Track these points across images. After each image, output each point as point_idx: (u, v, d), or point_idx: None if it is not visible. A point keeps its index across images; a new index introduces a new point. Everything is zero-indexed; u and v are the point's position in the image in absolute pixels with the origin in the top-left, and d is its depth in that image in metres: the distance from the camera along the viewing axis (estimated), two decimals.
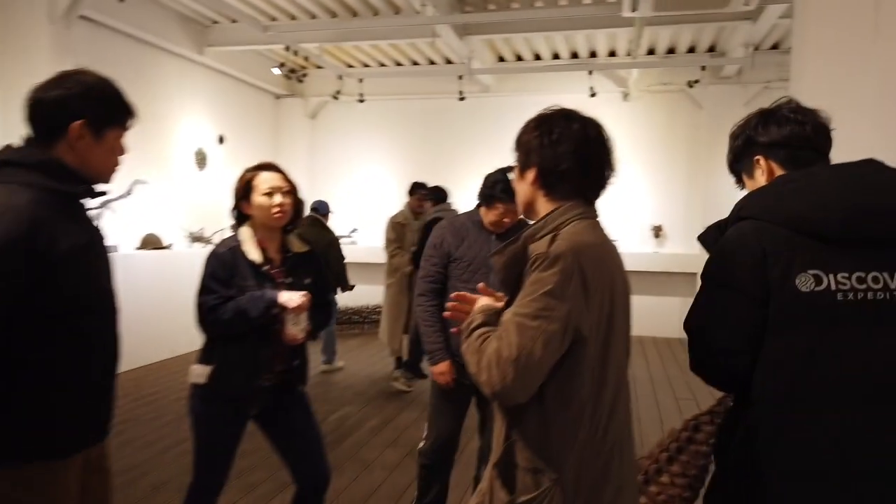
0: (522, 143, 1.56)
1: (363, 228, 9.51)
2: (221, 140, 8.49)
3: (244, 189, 2.41)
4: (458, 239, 2.84)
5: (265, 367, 2.36)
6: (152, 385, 5.89)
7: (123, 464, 3.99)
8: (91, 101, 1.66)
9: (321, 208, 6.54)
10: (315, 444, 2.52)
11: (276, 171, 2.46)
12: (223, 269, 2.33)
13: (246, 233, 2.41)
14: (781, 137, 1.58)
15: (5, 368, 1.55)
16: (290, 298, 2.29)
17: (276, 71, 7.91)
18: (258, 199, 2.38)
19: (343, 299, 7.84)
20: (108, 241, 1.87)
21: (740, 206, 1.56)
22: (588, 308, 1.39)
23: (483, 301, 1.59)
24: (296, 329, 2.32)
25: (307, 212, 6.40)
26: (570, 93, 8.36)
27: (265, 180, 2.40)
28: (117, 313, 1.81)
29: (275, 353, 2.38)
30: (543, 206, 1.54)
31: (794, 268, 1.40)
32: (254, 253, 2.36)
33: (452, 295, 1.67)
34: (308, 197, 9.60)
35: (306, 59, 7.95)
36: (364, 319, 8.85)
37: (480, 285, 1.66)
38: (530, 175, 1.54)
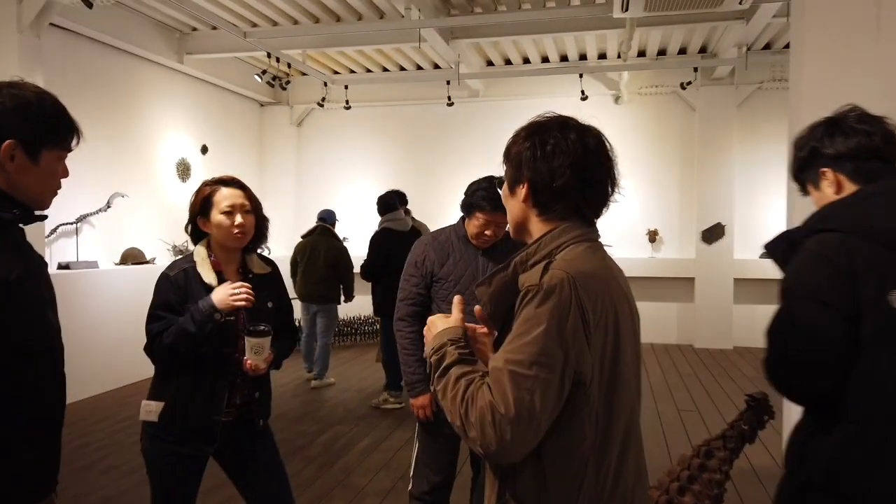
0: (513, 156, 1.37)
1: (352, 238, 9.31)
2: (205, 150, 8.28)
3: (202, 204, 2.21)
4: (441, 256, 2.59)
5: (223, 400, 2.16)
6: (134, 407, 5.66)
7: (105, 492, 3.77)
8: (25, 119, 1.46)
9: (329, 217, 6.57)
10: (279, 482, 2.32)
11: (239, 186, 2.26)
12: (175, 293, 2.14)
13: (201, 252, 2.22)
14: (848, 150, 1.55)
15: None
16: (227, 294, 2.07)
17: (259, 78, 7.71)
18: (217, 216, 2.18)
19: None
20: (48, 269, 1.65)
21: (821, 218, 1.52)
22: (589, 347, 1.20)
23: (439, 322, 1.36)
24: (257, 358, 2.12)
25: (314, 223, 6.49)
26: (561, 96, 8.21)
27: (225, 197, 2.20)
28: (59, 352, 1.60)
29: (233, 385, 2.18)
30: (537, 228, 1.35)
31: (888, 284, 1.37)
32: (208, 275, 2.17)
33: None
34: (294, 206, 9.56)
35: (289, 65, 7.76)
36: (356, 331, 8.65)
37: (477, 308, 1.42)
38: (521, 191, 1.35)
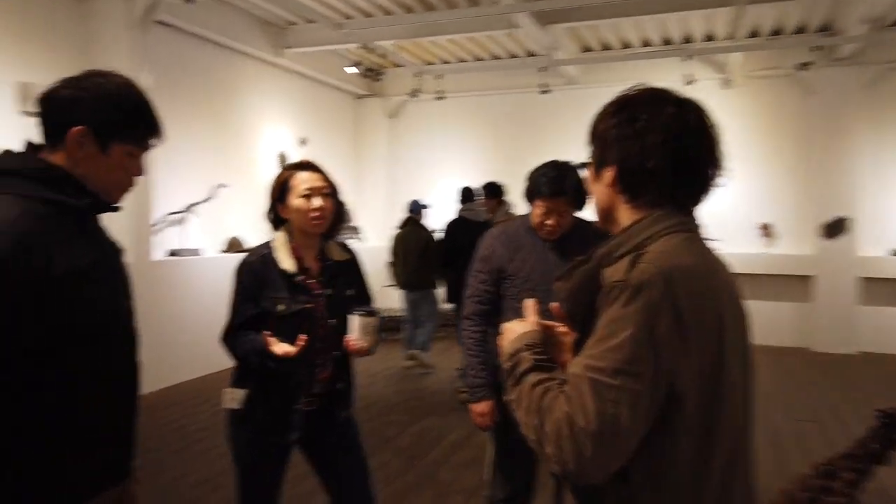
0: (598, 134, 1.20)
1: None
2: (303, 142, 8.48)
3: (280, 190, 2.18)
4: (510, 250, 2.38)
5: (302, 389, 2.13)
6: None
7: (201, 474, 3.89)
8: (101, 109, 1.44)
9: (415, 207, 6.71)
10: (359, 476, 2.26)
11: (316, 170, 2.21)
12: (253, 280, 2.12)
13: (280, 238, 2.18)
14: None
15: None
16: (284, 351, 2.01)
17: (351, 69, 7.78)
18: (295, 201, 2.14)
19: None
20: (123, 257, 1.64)
21: None
22: (686, 354, 1.02)
23: (517, 327, 1.21)
24: (365, 339, 2.07)
25: (405, 214, 6.72)
26: (664, 81, 7.64)
27: (303, 180, 2.15)
28: (132, 340, 1.59)
29: (312, 374, 2.14)
30: (625, 216, 1.18)
31: None
32: (287, 261, 2.13)
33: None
34: (388, 198, 9.64)
35: (383, 56, 7.78)
36: (450, 322, 8.61)
37: (554, 305, 1.27)
38: (608, 175, 1.18)
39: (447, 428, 4.84)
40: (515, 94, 9.01)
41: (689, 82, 7.29)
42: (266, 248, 2.18)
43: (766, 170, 8.16)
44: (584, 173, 1.31)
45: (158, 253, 6.10)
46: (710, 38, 7.97)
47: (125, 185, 1.54)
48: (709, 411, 1.06)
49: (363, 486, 2.28)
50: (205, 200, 6.71)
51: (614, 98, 1.20)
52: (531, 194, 2.34)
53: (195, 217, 6.66)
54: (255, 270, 2.13)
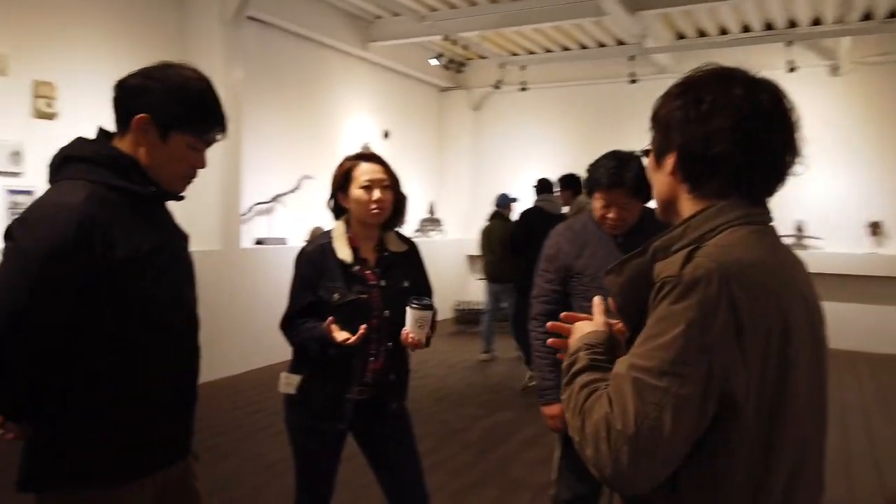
0: (660, 118, 1.11)
1: None
2: (387, 135, 8.59)
3: (342, 179, 2.20)
4: (576, 247, 2.30)
5: (355, 378, 2.14)
6: None
7: (274, 456, 4.01)
8: (166, 99, 1.47)
9: (502, 201, 6.77)
10: (410, 469, 2.26)
11: (378, 162, 2.22)
12: (311, 269, 2.15)
13: (339, 228, 2.21)
14: None
15: (60, 387, 1.42)
16: (344, 338, 2.02)
17: (434, 62, 7.78)
18: (355, 191, 2.16)
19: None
20: (188, 245, 1.69)
21: None
22: (743, 358, 0.93)
23: (585, 326, 1.15)
24: (420, 332, 2.07)
25: (493, 208, 6.82)
26: (764, 69, 7.19)
27: (364, 172, 2.17)
28: (193, 325, 1.63)
29: (366, 364, 2.16)
30: (687, 207, 1.08)
31: None
32: (343, 250, 2.15)
33: (562, 315, 1.25)
34: (471, 191, 9.61)
35: (466, 48, 7.74)
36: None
37: (596, 299, 1.20)
38: (669, 162, 1.09)
39: (519, 424, 4.77)
40: (602, 85, 8.75)
41: (792, 69, 6.82)
42: (326, 237, 2.21)
43: (877, 164, 7.52)
44: (647, 161, 1.21)
45: (246, 241, 6.36)
46: (816, 23, 7.42)
47: (183, 176, 1.56)
48: (769, 421, 0.96)
49: (414, 480, 2.27)
50: (291, 191, 6.93)
51: (679, 79, 1.11)
52: (590, 186, 2.26)
53: (282, 207, 6.89)
54: (314, 260, 2.16)
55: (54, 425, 1.44)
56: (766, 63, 7.52)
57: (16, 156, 4.58)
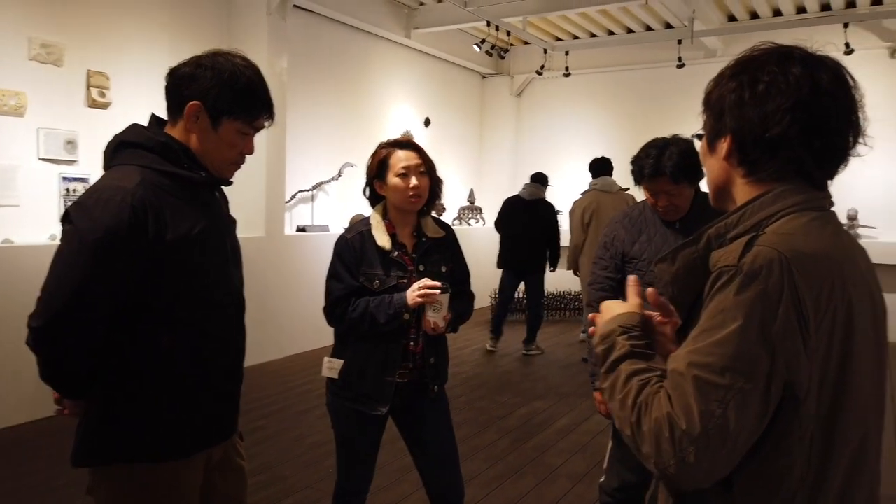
0: (713, 101, 1.08)
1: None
2: (427, 123, 8.58)
3: (378, 167, 2.21)
4: (633, 234, 2.33)
5: (397, 362, 2.16)
6: None
7: (318, 437, 4.09)
8: (216, 86, 1.50)
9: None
10: (447, 454, 2.28)
11: (413, 148, 2.22)
12: (350, 254, 2.17)
13: (376, 216, 2.22)
14: None
15: (114, 365, 1.47)
16: (418, 294, 2.06)
17: (477, 48, 7.73)
18: (392, 179, 2.17)
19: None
20: (235, 229, 1.72)
21: None
22: (805, 352, 0.90)
23: (615, 307, 1.11)
24: (436, 316, 2.10)
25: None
26: (827, 52, 7.01)
27: (401, 159, 2.17)
28: (239, 306, 1.67)
29: (406, 348, 2.17)
30: (742, 192, 1.05)
31: None
32: (382, 238, 2.16)
33: (590, 316, 1.19)
34: (511, 178, 9.55)
35: (508, 34, 7.66)
36: (566, 306, 8.47)
37: (650, 291, 1.13)
38: (723, 146, 1.06)
39: (556, 413, 4.75)
40: (648, 70, 8.56)
41: (849, 52, 6.55)
42: (365, 224, 2.22)
43: None
44: (698, 145, 1.18)
45: (290, 228, 6.45)
46: (877, 3, 7.10)
47: (233, 162, 1.59)
48: (829, 415, 0.93)
49: (451, 463, 2.29)
50: (333, 179, 6.99)
51: (732, 60, 1.07)
52: (636, 178, 2.28)
53: (324, 194, 6.97)
54: (353, 247, 2.17)
55: (108, 403, 1.49)
56: (822, 46, 7.23)
57: (70, 144, 4.73)
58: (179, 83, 1.53)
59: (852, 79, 1.02)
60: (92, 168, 4.68)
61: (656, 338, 1.13)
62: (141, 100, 5.01)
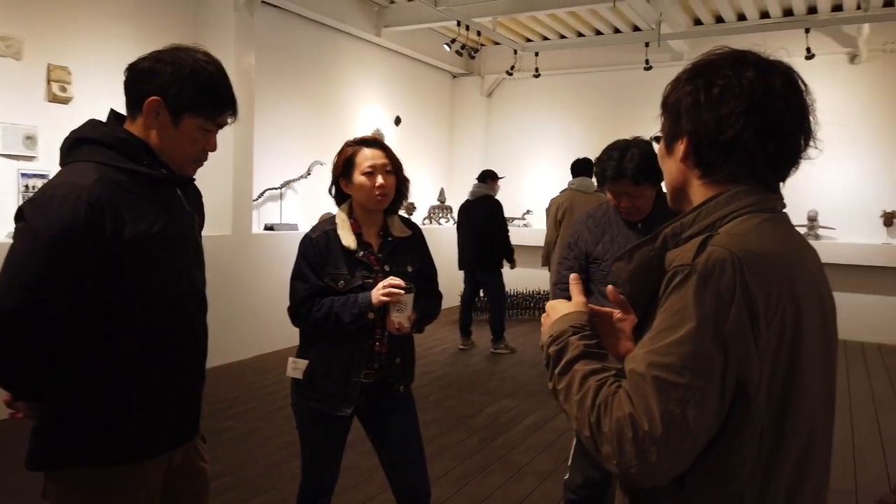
0: (670, 104, 1.10)
1: (539, 210, 9.12)
2: (398, 121, 8.56)
3: (344, 165, 2.19)
4: (596, 234, 2.38)
5: (362, 363, 2.15)
6: None
7: (287, 437, 4.05)
8: (177, 81, 1.47)
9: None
10: (413, 454, 2.27)
11: (380, 147, 2.21)
12: (315, 254, 2.15)
13: (342, 215, 2.21)
14: None
15: (69, 367, 1.44)
16: (383, 294, 2.05)
17: (447, 47, 7.74)
18: (358, 178, 2.16)
19: (513, 283, 7.65)
20: (197, 227, 1.69)
21: None
22: (757, 350, 0.92)
23: (561, 306, 1.12)
24: (400, 316, 2.08)
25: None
26: (782, 56, 7.16)
27: (367, 157, 2.16)
28: (201, 306, 1.64)
29: (372, 348, 2.16)
30: (698, 193, 1.07)
31: None
32: (347, 237, 2.15)
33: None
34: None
35: (479, 34, 7.69)
36: (535, 305, 8.53)
37: (609, 288, 1.19)
38: (680, 148, 1.08)
39: (524, 411, 4.79)
40: (617, 72, 8.67)
41: (810, 57, 6.72)
42: (330, 223, 2.20)
43: (893, 153, 7.41)
44: (657, 148, 1.20)
45: (258, 226, 6.38)
46: (837, 9, 7.30)
47: (194, 158, 1.57)
48: (779, 411, 0.95)
49: (416, 462, 2.28)
50: (302, 177, 6.93)
51: (689, 64, 1.09)
52: (598, 180, 2.34)
53: (292, 193, 6.90)
54: (319, 246, 2.15)
55: (63, 405, 1.46)
56: (781, 49, 7.39)
57: (30, 140, 4.62)
58: (139, 78, 1.50)
59: (803, 83, 1.04)
60: (52, 164, 4.57)
61: (615, 334, 1.15)
62: (104, 95, 4.89)
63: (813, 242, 1.12)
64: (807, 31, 6.88)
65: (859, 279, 7.26)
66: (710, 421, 0.91)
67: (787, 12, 7.46)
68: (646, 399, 0.91)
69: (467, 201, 6.54)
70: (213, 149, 1.59)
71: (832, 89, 6.98)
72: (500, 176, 6.79)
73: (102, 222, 1.38)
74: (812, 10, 7.37)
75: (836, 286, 1.10)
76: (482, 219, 6.34)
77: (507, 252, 6.44)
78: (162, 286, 1.51)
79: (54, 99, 4.76)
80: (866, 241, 7.40)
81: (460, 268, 6.56)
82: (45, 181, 4.66)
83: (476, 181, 6.64)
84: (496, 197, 6.58)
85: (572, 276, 1.18)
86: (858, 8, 6.99)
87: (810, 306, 0.99)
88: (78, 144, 1.48)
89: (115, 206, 1.41)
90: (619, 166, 2.21)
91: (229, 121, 1.58)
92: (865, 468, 3.83)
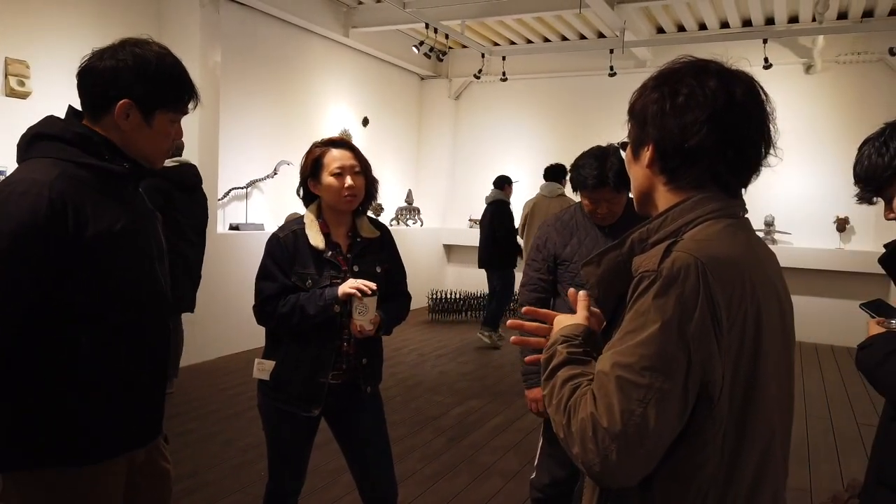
0: (637, 112, 1.13)
1: None
2: (366, 122, 8.54)
3: (312, 166, 2.18)
4: (564, 236, 2.41)
5: (329, 363, 2.14)
6: None
7: (251, 440, 4.01)
8: (143, 80, 1.46)
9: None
10: (380, 455, 2.28)
11: (349, 148, 2.21)
12: (283, 253, 2.14)
13: (310, 215, 2.20)
14: None
15: (29, 366, 1.41)
16: (348, 289, 2.05)
17: (416, 49, 7.76)
18: (327, 178, 2.15)
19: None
20: (159, 225, 1.68)
21: None
22: (719, 353, 0.95)
23: (565, 320, 1.16)
24: (362, 319, 2.07)
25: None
26: (741, 65, 7.36)
27: (335, 158, 2.16)
28: (164, 305, 1.62)
29: (340, 349, 2.16)
30: (664, 199, 1.11)
31: None
32: (315, 238, 2.14)
33: (523, 310, 1.27)
34: (449, 179, 9.62)
35: (447, 36, 7.72)
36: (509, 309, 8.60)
37: (571, 291, 1.23)
38: (646, 154, 1.11)
39: (490, 412, 4.83)
40: (582, 77, 8.79)
41: (767, 67, 6.92)
42: (298, 223, 2.20)
43: (846, 161, 7.62)
44: (625, 154, 1.24)
45: (223, 226, 6.29)
46: (794, 20, 7.53)
47: (166, 150, 1.58)
48: (741, 416, 0.99)
49: (383, 463, 2.29)
50: (268, 176, 6.86)
51: (655, 72, 1.13)
52: (575, 186, 2.34)
53: (258, 193, 6.83)
54: (286, 245, 2.15)
55: (23, 404, 1.43)
56: (742, 59, 7.59)
57: None
58: (101, 81, 1.46)
59: (764, 92, 1.09)
60: (9, 161, 4.43)
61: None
62: (64, 90, 4.77)
63: (770, 247, 1.17)
64: (764, 41, 7.08)
65: (814, 283, 7.50)
66: (672, 422, 0.94)
67: (746, 22, 7.67)
68: (608, 398, 0.94)
69: (486, 206, 7.15)
70: (181, 136, 1.61)
71: (788, 98, 7.20)
72: (513, 180, 7.29)
73: (64, 219, 1.36)
74: (770, 20, 7.59)
75: (793, 289, 1.15)
76: (489, 221, 6.92)
77: (511, 252, 6.93)
78: (125, 285, 1.49)
79: (12, 93, 4.62)
80: (821, 246, 7.65)
81: (479, 267, 7.16)
82: (2, 178, 4.51)
83: (493, 187, 7.17)
84: (507, 200, 7.06)
85: (581, 293, 1.19)
86: (814, 20, 7.23)
87: (770, 309, 1.03)
88: (36, 140, 1.46)
89: (77, 203, 1.39)
90: (601, 175, 2.23)
91: (191, 107, 1.58)
92: (819, 466, 3.96)
